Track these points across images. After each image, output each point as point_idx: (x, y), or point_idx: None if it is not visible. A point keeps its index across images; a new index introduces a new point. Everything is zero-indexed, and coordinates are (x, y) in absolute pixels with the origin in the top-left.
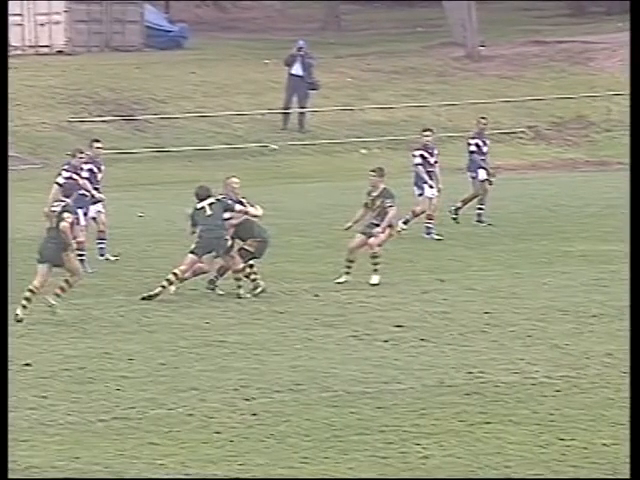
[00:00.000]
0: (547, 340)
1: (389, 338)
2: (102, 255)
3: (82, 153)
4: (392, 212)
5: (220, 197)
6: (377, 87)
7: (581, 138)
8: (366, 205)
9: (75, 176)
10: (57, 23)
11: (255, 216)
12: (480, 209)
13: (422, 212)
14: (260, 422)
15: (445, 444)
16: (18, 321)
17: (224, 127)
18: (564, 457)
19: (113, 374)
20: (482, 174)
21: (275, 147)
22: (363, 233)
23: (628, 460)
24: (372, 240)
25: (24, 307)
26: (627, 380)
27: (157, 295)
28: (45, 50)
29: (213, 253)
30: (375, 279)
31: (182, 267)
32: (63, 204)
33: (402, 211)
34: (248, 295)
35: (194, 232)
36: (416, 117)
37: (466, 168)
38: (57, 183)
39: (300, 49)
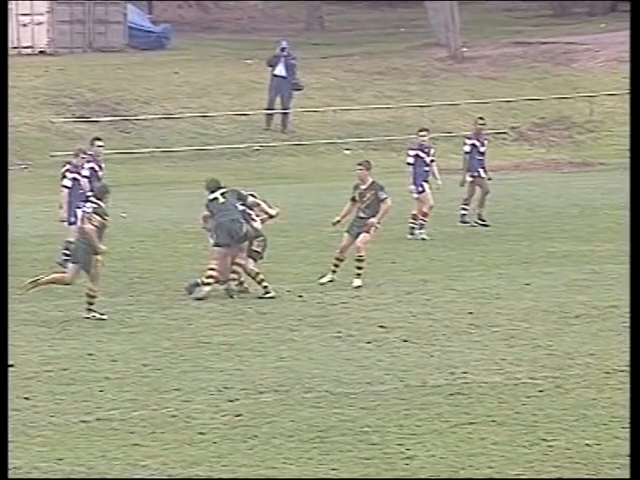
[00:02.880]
0: (530, 340)
1: (372, 339)
2: None
3: (85, 153)
4: (389, 202)
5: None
6: (360, 88)
7: (564, 139)
8: (353, 199)
9: (78, 176)
10: (39, 24)
11: (270, 216)
12: (464, 209)
13: (430, 208)
14: (243, 423)
15: (428, 444)
16: (34, 281)
17: (207, 128)
18: (547, 457)
19: (96, 375)
20: (481, 173)
21: (258, 148)
22: (349, 233)
23: (610, 460)
24: (360, 241)
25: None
26: (610, 381)
27: (208, 295)
28: (28, 51)
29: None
30: (357, 282)
31: (214, 262)
32: (95, 206)
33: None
34: (234, 295)
35: (207, 228)
36: (399, 118)
37: (464, 169)
38: (65, 186)
39: (283, 50)
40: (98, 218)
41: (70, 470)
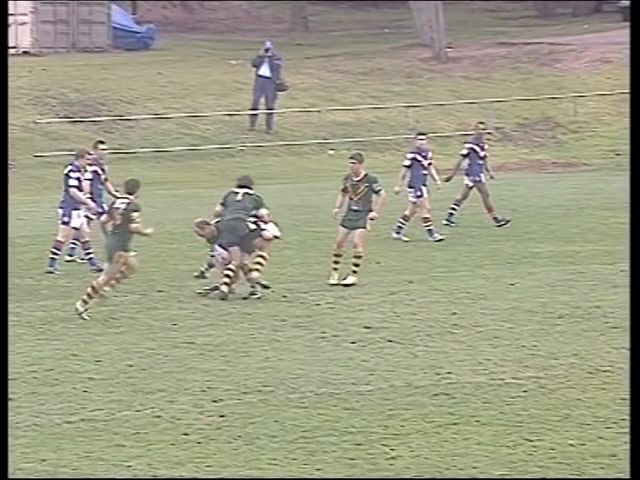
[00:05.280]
0: (514, 341)
1: (357, 339)
2: (71, 255)
3: (89, 154)
4: (383, 193)
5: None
6: (345, 88)
7: (548, 139)
8: (344, 190)
9: (81, 177)
10: (23, 24)
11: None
12: (453, 210)
13: (429, 212)
14: (228, 424)
15: (413, 445)
16: (80, 315)
17: (191, 128)
18: (531, 457)
19: (80, 375)
20: (482, 177)
21: (243, 148)
22: (344, 226)
23: (594, 460)
24: (357, 238)
25: (85, 302)
26: (594, 380)
27: (228, 293)
28: (11, 51)
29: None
30: (350, 280)
31: (234, 262)
32: (127, 201)
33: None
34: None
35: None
36: (383, 118)
37: (464, 172)
38: (72, 186)
39: (267, 50)
40: (136, 214)
41: (54, 471)
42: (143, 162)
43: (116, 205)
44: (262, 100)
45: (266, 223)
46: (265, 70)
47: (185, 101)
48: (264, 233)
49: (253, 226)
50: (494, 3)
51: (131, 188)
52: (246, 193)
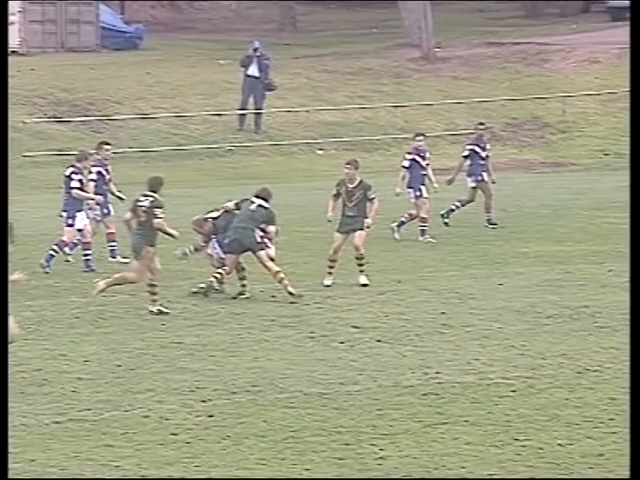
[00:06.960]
0: (503, 340)
1: (346, 339)
2: (68, 253)
3: (92, 155)
4: (376, 202)
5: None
6: (333, 88)
7: (536, 139)
8: (337, 195)
9: (83, 179)
10: (11, 24)
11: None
12: (455, 207)
13: (428, 212)
14: (216, 423)
15: (401, 445)
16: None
17: (179, 128)
18: (519, 457)
19: (69, 376)
20: (485, 177)
21: (231, 148)
22: (340, 232)
23: (582, 460)
24: (356, 241)
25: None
26: (582, 380)
27: (212, 288)
28: None
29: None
30: (363, 279)
31: (227, 268)
32: (151, 199)
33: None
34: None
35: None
36: (372, 118)
37: (466, 173)
38: (74, 187)
39: (256, 50)
40: (159, 211)
41: (43, 471)
42: (131, 162)
43: (140, 203)
44: (251, 100)
45: (271, 240)
46: (254, 70)
47: (174, 101)
48: (268, 251)
49: (259, 239)
50: (482, 3)
51: (154, 185)
52: (261, 205)
